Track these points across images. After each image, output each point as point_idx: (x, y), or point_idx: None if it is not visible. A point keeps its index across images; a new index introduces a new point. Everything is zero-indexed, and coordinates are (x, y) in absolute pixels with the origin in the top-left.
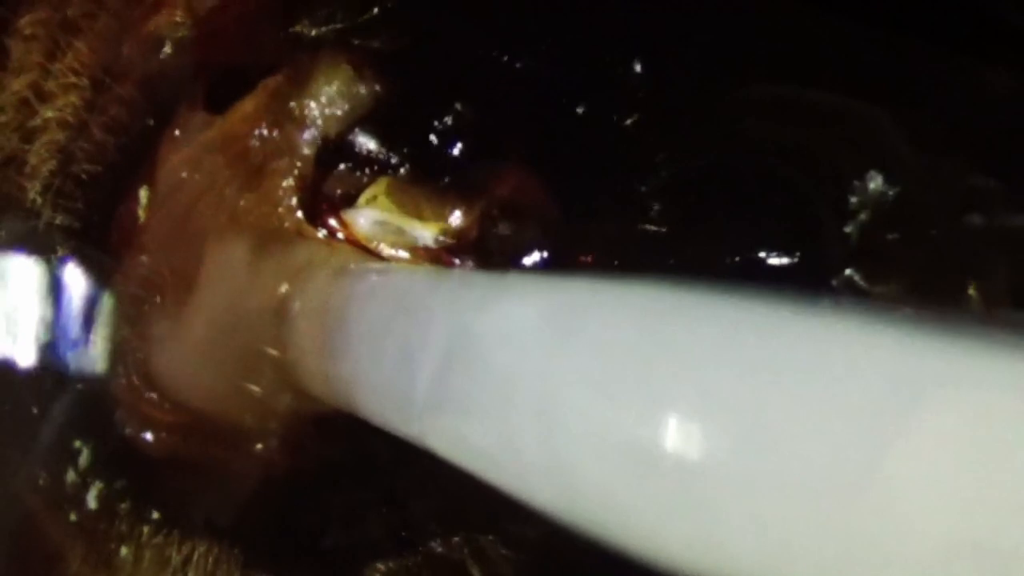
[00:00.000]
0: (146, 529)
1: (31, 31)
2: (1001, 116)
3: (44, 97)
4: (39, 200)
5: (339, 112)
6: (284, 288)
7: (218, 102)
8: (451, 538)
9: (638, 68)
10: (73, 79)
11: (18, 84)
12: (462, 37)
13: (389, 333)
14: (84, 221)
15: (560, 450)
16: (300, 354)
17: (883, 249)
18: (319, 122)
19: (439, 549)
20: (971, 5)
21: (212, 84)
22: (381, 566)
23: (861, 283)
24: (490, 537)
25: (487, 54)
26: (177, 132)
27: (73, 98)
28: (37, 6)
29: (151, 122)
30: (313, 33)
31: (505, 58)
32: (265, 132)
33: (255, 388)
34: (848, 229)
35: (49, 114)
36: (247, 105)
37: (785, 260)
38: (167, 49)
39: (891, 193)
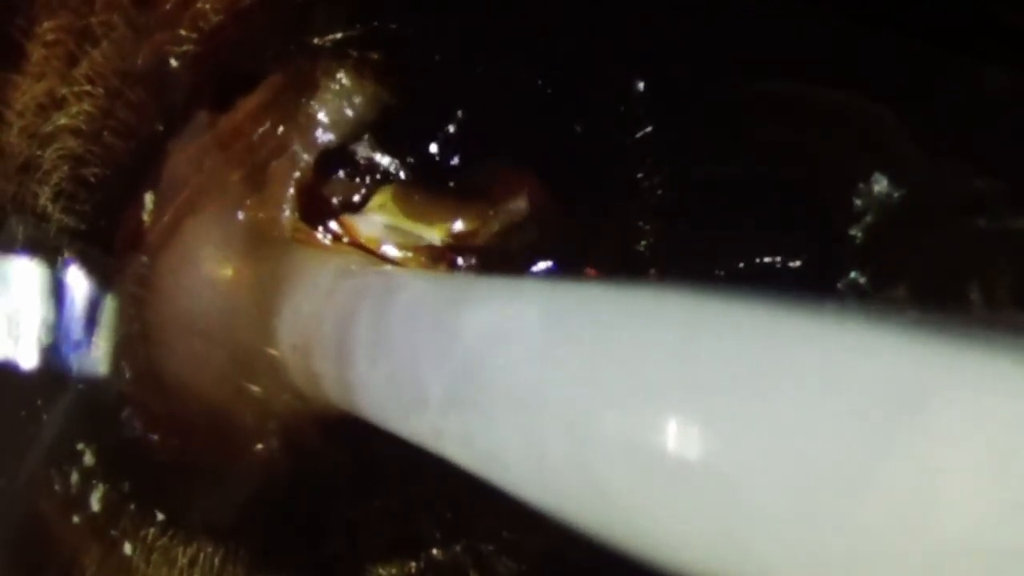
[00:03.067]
0: (152, 531)
1: (53, 37)
2: (1004, 117)
3: (59, 104)
4: (49, 206)
5: (342, 116)
6: (287, 289)
7: (223, 104)
8: (453, 544)
9: (641, 72)
10: (88, 87)
11: (38, 89)
12: (467, 43)
13: (398, 336)
14: (90, 223)
15: (584, 456)
16: (303, 355)
17: (888, 252)
18: (321, 125)
19: (441, 555)
20: (973, 6)
21: (218, 88)
22: (383, 571)
23: (866, 286)
24: (491, 545)
25: (492, 61)
26: (183, 136)
27: (87, 106)
28: (59, 13)
29: (160, 127)
30: (316, 42)
31: (508, 64)
32: (267, 130)
33: (255, 388)
34: (853, 232)
35: (63, 121)
36: (250, 102)
37: (791, 263)
38: (173, 62)
39: (896, 195)
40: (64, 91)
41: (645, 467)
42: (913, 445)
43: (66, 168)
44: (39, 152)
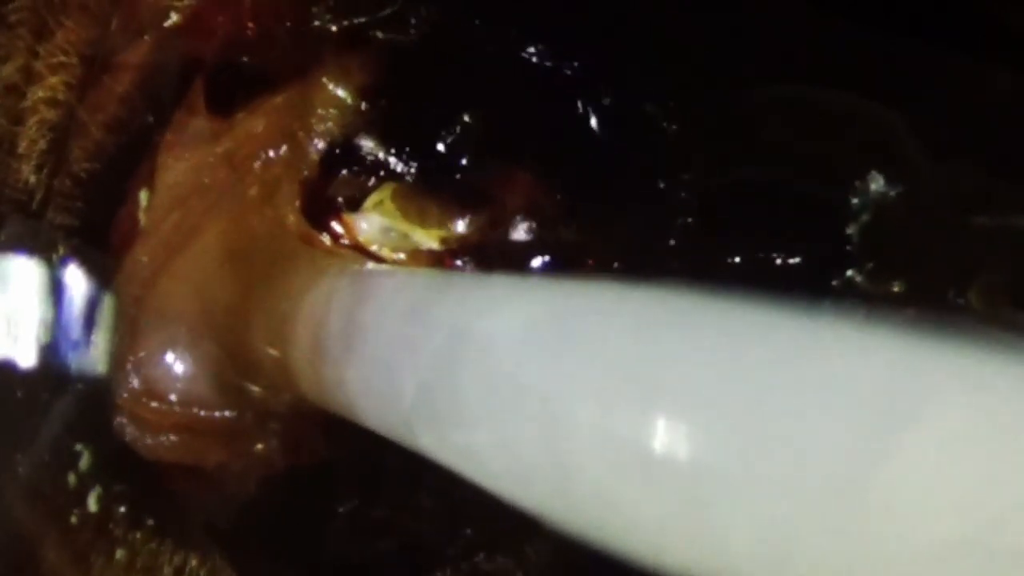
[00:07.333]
0: (140, 534)
1: (16, 18)
2: (1003, 116)
3: (33, 79)
4: (33, 179)
5: (345, 122)
6: (286, 291)
7: (219, 102)
8: (456, 553)
9: (642, 73)
10: (62, 58)
11: (6, 71)
12: (478, 38)
13: (384, 336)
14: (84, 220)
15: (561, 453)
16: (301, 358)
17: (885, 250)
18: (325, 132)
19: (444, 564)
20: (975, 7)
21: (211, 83)
22: None
23: (863, 284)
24: (497, 552)
25: (497, 59)
26: (176, 136)
27: (63, 76)
28: None
29: (150, 119)
30: (319, 24)
31: (508, 65)
32: (272, 149)
33: (255, 388)
34: (850, 230)
35: (39, 94)
36: (254, 124)
37: (786, 261)
38: (170, 20)
39: (893, 194)
40: (37, 66)
41: (629, 467)
42: (910, 445)
43: (46, 142)
44: (16, 128)
